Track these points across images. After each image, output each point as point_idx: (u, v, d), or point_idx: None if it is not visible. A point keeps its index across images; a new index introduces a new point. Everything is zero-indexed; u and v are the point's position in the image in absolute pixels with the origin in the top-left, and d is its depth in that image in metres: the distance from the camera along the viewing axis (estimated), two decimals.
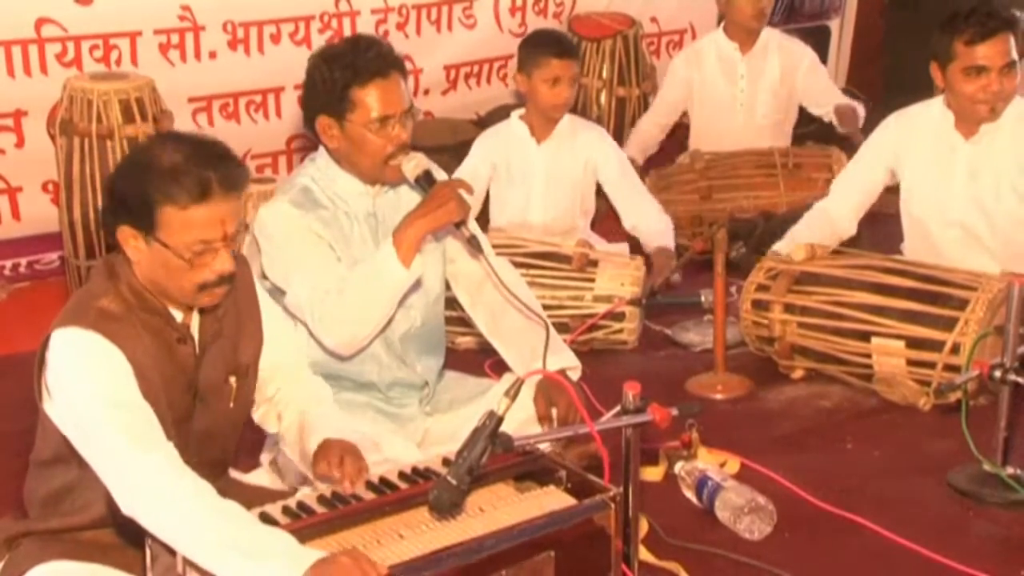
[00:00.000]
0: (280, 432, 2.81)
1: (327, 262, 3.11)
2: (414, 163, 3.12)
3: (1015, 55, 3.88)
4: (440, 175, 3.19)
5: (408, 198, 3.21)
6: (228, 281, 2.49)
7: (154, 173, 2.39)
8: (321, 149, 3.22)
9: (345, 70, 3.07)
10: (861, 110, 5.31)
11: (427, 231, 3.05)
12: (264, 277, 3.18)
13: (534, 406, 3.15)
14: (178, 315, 2.53)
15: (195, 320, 2.57)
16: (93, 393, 2.34)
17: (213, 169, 2.40)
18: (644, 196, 4.68)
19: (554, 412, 3.12)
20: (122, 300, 2.45)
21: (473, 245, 3.09)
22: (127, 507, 2.30)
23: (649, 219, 4.60)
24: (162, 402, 2.47)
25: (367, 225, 3.20)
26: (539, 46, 4.46)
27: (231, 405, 2.66)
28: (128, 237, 2.43)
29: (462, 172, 4.43)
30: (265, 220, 3.15)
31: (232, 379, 2.64)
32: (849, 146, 5.20)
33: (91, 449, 2.35)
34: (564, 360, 3.25)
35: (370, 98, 3.06)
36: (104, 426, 2.32)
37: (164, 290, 2.48)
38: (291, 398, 2.80)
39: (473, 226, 3.18)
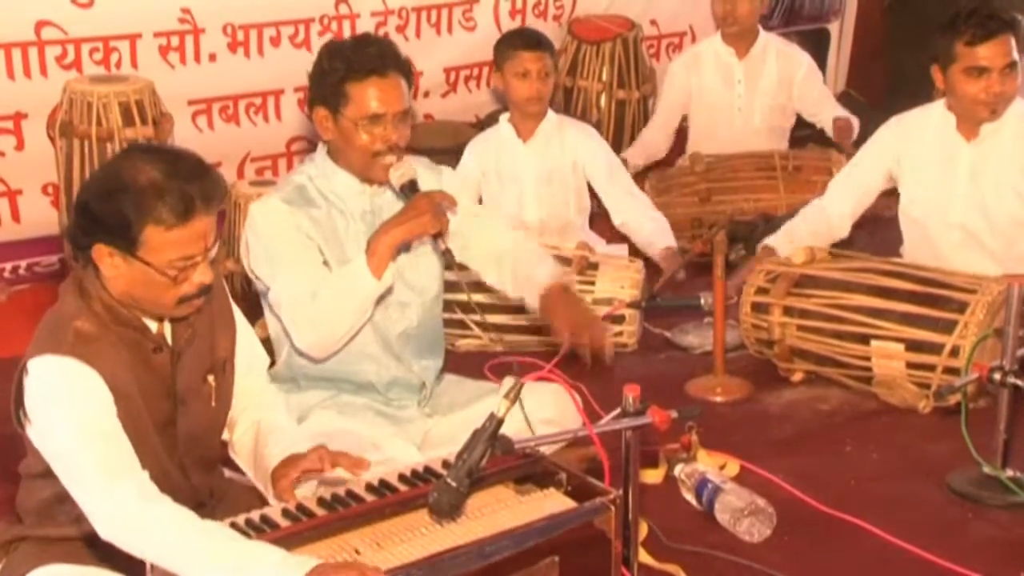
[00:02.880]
0: (231, 440, 2.80)
1: (309, 263, 3.11)
2: (400, 172, 3.12)
3: (1016, 56, 3.88)
4: (432, 185, 3.18)
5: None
6: (206, 291, 2.49)
7: (134, 193, 2.36)
8: (320, 147, 3.23)
9: (343, 64, 3.09)
10: (856, 123, 5.30)
11: (400, 241, 3.06)
12: (255, 276, 3.19)
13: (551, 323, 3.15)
14: (152, 325, 2.52)
15: (167, 327, 2.56)
16: (68, 423, 2.34)
17: (192, 184, 2.38)
18: (634, 194, 4.68)
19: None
20: (96, 318, 2.44)
21: (448, 258, 3.10)
22: (105, 534, 2.31)
23: (640, 217, 4.60)
24: (143, 413, 2.48)
25: (364, 223, 3.20)
26: (509, 42, 4.53)
27: (212, 404, 2.65)
28: (104, 255, 2.41)
29: (456, 178, 4.43)
30: (255, 216, 3.16)
31: (210, 378, 2.63)
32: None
33: (66, 478, 2.36)
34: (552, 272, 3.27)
35: (363, 94, 3.07)
36: (78, 456, 2.32)
37: (140, 304, 2.47)
38: (244, 406, 2.79)
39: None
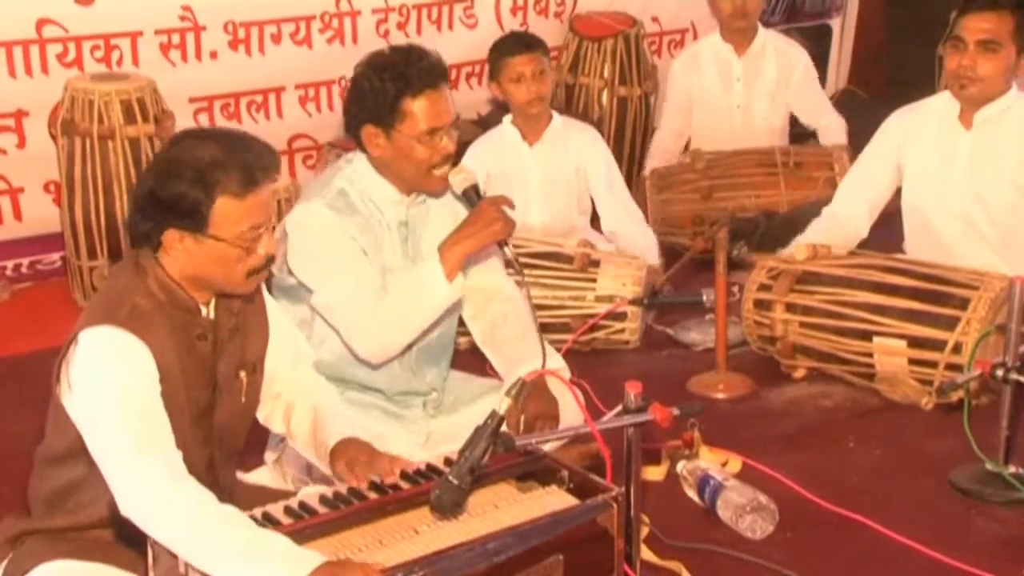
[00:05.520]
0: (289, 429, 2.82)
1: (364, 269, 3.10)
2: (462, 176, 3.13)
3: (1001, 38, 3.83)
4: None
5: (438, 209, 3.23)
6: (271, 263, 2.55)
7: (200, 171, 2.42)
8: (358, 153, 3.20)
9: (397, 80, 3.05)
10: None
11: (474, 250, 3.07)
12: (287, 271, 3.19)
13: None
14: (202, 310, 2.55)
15: (212, 315, 2.58)
16: (111, 394, 2.36)
17: (250, 154, 2.46)
18: (629, 207, 4.65)
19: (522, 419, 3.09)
20: (151, 296, 2.47)
21: (515, 266, 3.11)
22: (126, 510, 2.32)
23: (631, 231, 4.56)
24: (183, 398, 2.50)
25: (398, 234, 3.20)
26: (499, 49, 4.50)
27: (242, 400, 2.68)
28: (175, 240, 2.45)
29: None
30: (301, 220, 3.14)
31: (242, 374, 2.65)
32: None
33: (98, 449, 2.38)
34: (550, 365, 3.24)
35: (420, 109, 3.05)
36: (114, 429, 2.34)
37: (210, 283, 2.51)
38: (299, 394, 2.81)
39: None
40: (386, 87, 3.05)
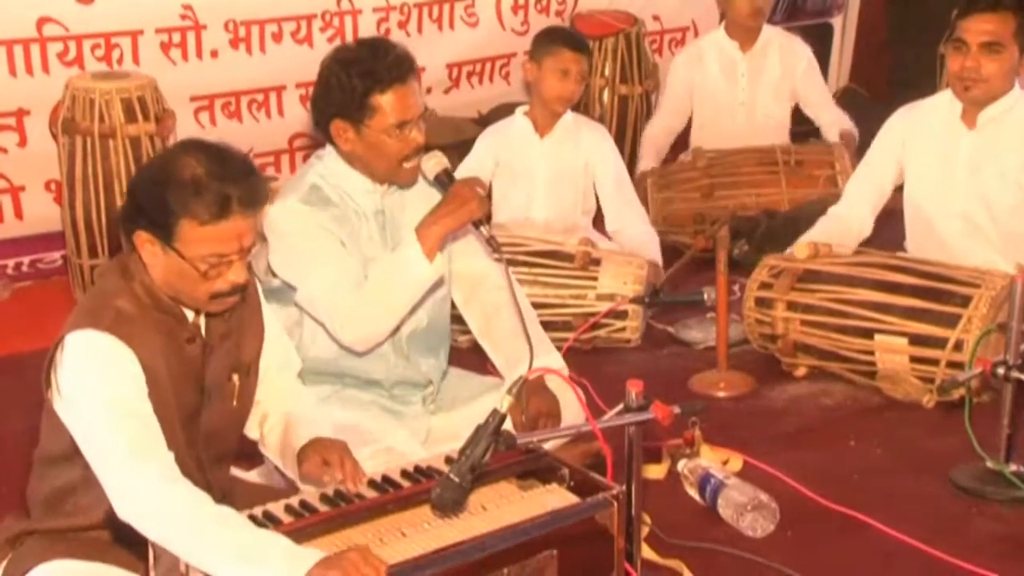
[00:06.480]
0: (262, 434, 2.81)
1: (342, 258, 3.10)
2: (434, 161, 3.13)
3: (1004, 39, 3.84)
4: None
5: (414, 197, 3.22)
6: (240, 291, 2.52)
7: (175, 185, 2.40)
8: (328, 148, 3.21)
9: (365, 76, 3.05)
10: (855, 132, 5.29)
11: (451, 229, 3.06)
12: (271, 274, 3.19)
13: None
14: (189, 315, 2.55)
15: (202, 319, 2.58)
16: (100, 398, 2.36)
17: (233, 185, 2.42)
18: (634, 206, 4.65)
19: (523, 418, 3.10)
20: (136, 300, 2.47)
21: (492, 245, 3.10)
22: (123, 513, 2.33)
23: (633, 229, 4.57)
24: (171, 401, 2.49)
25: (376, 223, 3.20)
26: (555, 37, 4.53)
27: (234, 403, 2.67)
28: (145, 242, 2.45)
29: (464, 168, 4.44)
30: (276, 218, 3.15)
31: (235, 377, 2.65)
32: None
33: (92, 453, 2.38)
34: (550, 363, 3.24)
35: (389, 104, 3.05)
36: (106, 432, 2.35)
37: (177, 294, 2.50)
38: (276, 400, 2.81)
39: None
40: (354, 83, 3.05)
